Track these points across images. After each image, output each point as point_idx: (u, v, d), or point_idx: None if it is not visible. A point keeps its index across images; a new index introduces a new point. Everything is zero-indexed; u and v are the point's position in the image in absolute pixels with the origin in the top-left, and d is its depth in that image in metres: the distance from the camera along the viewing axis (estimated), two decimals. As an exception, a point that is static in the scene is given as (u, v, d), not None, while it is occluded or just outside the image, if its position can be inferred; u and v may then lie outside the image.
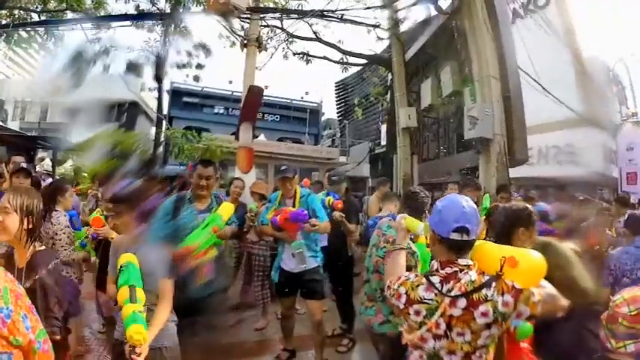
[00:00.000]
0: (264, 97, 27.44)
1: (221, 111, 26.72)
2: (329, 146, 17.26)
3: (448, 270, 1.53)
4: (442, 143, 8.05)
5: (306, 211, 3.48)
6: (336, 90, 19.51)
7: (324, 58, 10.72)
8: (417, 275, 1.64)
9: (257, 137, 19.73)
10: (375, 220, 3.48)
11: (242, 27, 10.04)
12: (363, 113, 14.38)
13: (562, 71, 14.21)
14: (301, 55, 10.97)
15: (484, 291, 1.44)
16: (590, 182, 14.55)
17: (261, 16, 9.33)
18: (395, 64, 8.51)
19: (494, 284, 1.45)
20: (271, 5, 11.09)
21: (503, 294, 1.43)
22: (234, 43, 11.41)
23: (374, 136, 14.44)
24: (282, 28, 10.55)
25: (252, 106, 7.50)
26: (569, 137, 15.17)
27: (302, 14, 8.94)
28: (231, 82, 20.33)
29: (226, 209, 3.23)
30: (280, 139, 24.18)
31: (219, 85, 25.13)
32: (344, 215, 4.56)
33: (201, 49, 14.70)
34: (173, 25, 13.68)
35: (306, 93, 41.98)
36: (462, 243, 1.53)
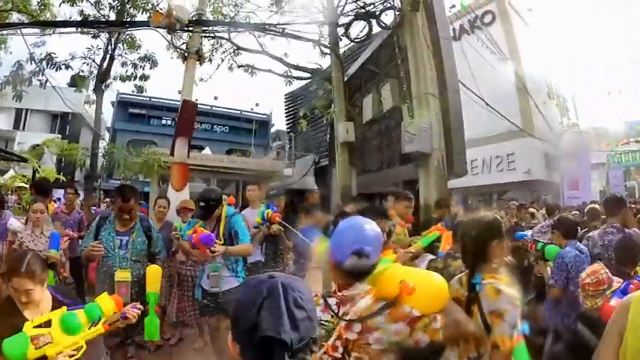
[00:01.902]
0: (214, 108, 27.21)
1: (169, 122, 25.90)
2: (274, 159, 17.10)
3: (345, 293, 1.49)
4: (384, 156, 8.08)
5: (214, 236, 3.38)
6: (285, 102, 19.53)
7: (269, 71, 10.65)
8: (315, 295, 1.52)
9: (203, 149, 19.34)
10: None
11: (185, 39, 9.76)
12: (310, 125, 14.41)
13: (504, 86, 14.97)
14: (246, 68, 10.79)
15: (378, 318, 1.39)
16: (532, 188, 15.34)
17: (203, 28, 9.09)
18: (334, 80, 8.53)
19: (387, 311, 1.39)
20: (220, 17, 10.91)
21: (396, 321, 1.38)
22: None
23: (321, 148, 14.45)
24: (228, 40, 10.33)
25: (187, 120, 7.23)
26: (511, 148, 15.96)
27: (243, 27, 8.78)
28: (180, 92, 19.63)
29: (154, 279, 3.07)
30: (229, 151, 23.82)
31: (169, 96, 24.33)
32: (281, 228, 4.51)
33: (147, 60, 14.22)
34: (117, 34, 13.19)
35: (256, 104, 41.85)
36: (359, 267, 1.48)
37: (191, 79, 8.42)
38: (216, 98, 18.07)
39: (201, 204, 3.61)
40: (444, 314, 1.46)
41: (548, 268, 3.67)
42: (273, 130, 28.59)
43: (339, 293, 1.50)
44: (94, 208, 6.16)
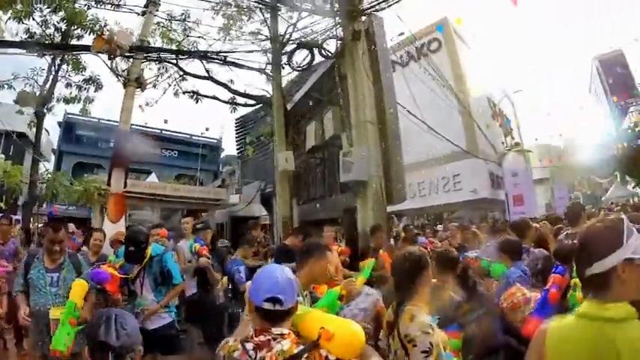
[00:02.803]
0: (164, 132, 26.31)
1: None
2: (219, 186, 16.83)
3: (262, 338, 1.49)
4: (326, 184, 8.11)
5: (106, 274, 3.41)
6: (235, 127, 19.39)
7: (214, 97, 10.52)
8: (235, 340, 1.58)
9: (149, 174, 18.73)
10: None
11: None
12: (257, 152, 14.32)
13: (449, 110, 15.65)
14: (191, 94, 10.64)
15: None
16: (479, 206, 15.96)
17: (145, 55, 8.94)
18: (274, 108, 8.58)
19: (305, 356, 1.43)
20: (167, 42, 10.74)
21: None
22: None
23: (267, 176, 14.46)
24: (175, 64, 10.16)
25: (124, 150, 7.01)
26: (456, 169, 16.61)
27: (185, 54, 8.70)
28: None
29: (77, 293, 3.09)
30: (178, 176, 23.18)
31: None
32: (209, 260, 4.61)
33: (91, 83, 13.71)
34: (62, 55, 12.70)
35: (207, 129, 41.69)
36: (275, 312, 1.51)
37: (129, 107, 8.24)
38: (166, 122, 17.81)
39: (131, 248, 3.58)
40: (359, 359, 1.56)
41: (494, 285, 3.77)
42: (223, 155, 28.30)
43: (255, 338, 1.49)
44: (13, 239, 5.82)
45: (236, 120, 20.35)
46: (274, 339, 1.48)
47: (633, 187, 19.43)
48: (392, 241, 6.13)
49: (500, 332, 3.15)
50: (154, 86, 11.20)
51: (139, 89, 8.85)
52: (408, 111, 10.60)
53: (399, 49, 18.91)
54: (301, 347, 1.47)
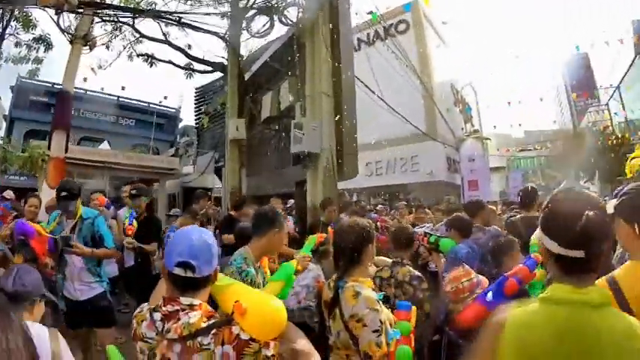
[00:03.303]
0: (120, 100, 24.95)
1: (74, 112, 23.55)
2: (172, 155, 16.30)
3: (169, 308, 1.31)
4: (279, 156, 7.90)
5: (31, 228, 3.23)
6: (195, 97, 18.62)
7: (169, 62, 10.01)
8: (147, 308, 1.41)
9: (101, 143, 17.88)
10: None
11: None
12: (216, 123, 13.84)
13: (412, 93, 15.78)
14: (145, 57, 10.06)
15: (200, 338, 1.24)
16: (435, 189, 16.33)
17: (94, 11, 8.32)
18: (229, 74, 8.27)
19: (214, 331, 1.24)
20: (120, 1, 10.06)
21: (223, 344, 1.23)
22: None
23: (219, 146, 14.15)
24: (131, 25, 9.53)
25: (65, 111, 6.56)
26: (415, 150, 16.89)
27: (138, 12, 8.16)
28: (85, 79, 17.96)
29: None
30: (134, 146, 22.24)
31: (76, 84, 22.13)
32: (133, 242, 4.40)
33: (41, 42, 12.71)
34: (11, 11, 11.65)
35: (165, 97, 39.81)
36: (186, 280, 1.32)
37: (74, 66, 7.72)
38: (123, 89, 16.73)
39: (63, 194, 3.34)
40: (280, 342, 1.35)
41: (443, 260, 3.74)
42: (181, 125, 27.32)
43: (164, 308, 1.32)
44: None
45: (196, 90, 19.59)
46: (183, 310, 1.31)
47: (584, 182, 20.44)
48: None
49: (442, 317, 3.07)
50: (107, 47, 10.57)
51: (86, 48, 8.29)
52: (370, 90, 10.56)
53: (367, 28, 18.75)
54: (213, 321, 1.29)
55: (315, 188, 5.89)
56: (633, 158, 6.17)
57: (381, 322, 1.81)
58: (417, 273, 2.98)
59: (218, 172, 12.88)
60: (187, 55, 9.87)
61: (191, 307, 1.32)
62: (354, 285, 1.93)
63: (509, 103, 25.69)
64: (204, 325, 1.27)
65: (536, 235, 2.85)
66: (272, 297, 1.53)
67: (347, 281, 1.96)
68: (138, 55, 10.46)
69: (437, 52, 19.51)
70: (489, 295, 2.24)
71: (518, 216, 4.10)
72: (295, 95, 6.84)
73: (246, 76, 9.62)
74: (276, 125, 8.17)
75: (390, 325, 1.92)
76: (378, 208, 9.35)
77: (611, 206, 1.54)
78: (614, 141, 17.24)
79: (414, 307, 2.07)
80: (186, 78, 10.90)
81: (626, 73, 22.42)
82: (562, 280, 1.11)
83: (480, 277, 2.63)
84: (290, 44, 7.82)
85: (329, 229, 4.48)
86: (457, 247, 3.58)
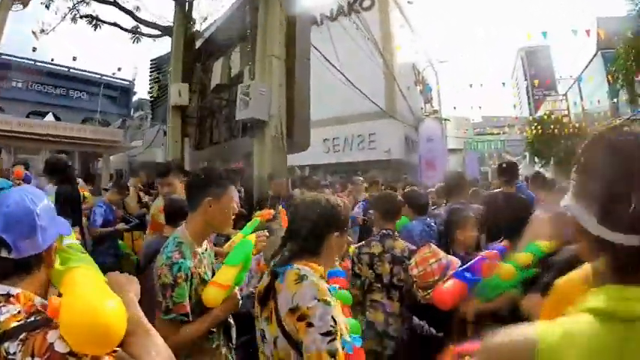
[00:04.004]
0: (71, 71, 23.23)
1: (21, 85, 21.61)
2: (119, 127, 15.35)
3: None
4: (229, 127, 7.41)
5: None
6: (150, 69, 17.49)
7: (114, 24, 9.25)
8: None
9: (44, 115, 16.42)
10: None
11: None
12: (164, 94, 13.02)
13: (372, 69, 15.56)
14: (89, 19, 9.23)
15: (7, 344, 0.83)
16: (393, 168, 16.38)
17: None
18: (174, 35, 7.70)
19: (23, 335, 0.83)
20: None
21: (33, 355, 0.82)
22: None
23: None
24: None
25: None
26: (372, 128, 16.81)
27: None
28: (35, 49, 16.62)
29: None
30: (85, 120, 20.89)
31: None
32: None
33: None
34: None
35: (119, 69, 37.68)
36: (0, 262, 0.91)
37: (2, 22, 6.87)
38: (74, 59, 15.34)
39: None
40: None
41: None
42: (136, 98, 25.89)
43: None
44: None
45: (151, 62, 18.39)
46: None
47: (540, 167, 21.20)
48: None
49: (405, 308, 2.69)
50: (47, 7, 9.66)
51: (18, 3, 7.48)
52: (330, 62, 10.24)
53: (331, 3, 18.32)
54: (27, 321, 0.89)
55: (262, 159, 5.50)
56: None
57: (335, 321, 1.21)
58: (413, 247, 2.62)
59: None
60: (135, 18, 9.16)
61: (7, 297, 0.91)
62: (300, 269, 1.34)
63: (470, 85, 25.94)
64: (14, 324, 0.86)
65: (536, 233, 2.46)
66: (110, 295, 0.99)
67: (293, 264, 1.38)
68: (81, 17, 9.63)
69: (400, 32, 19.29)
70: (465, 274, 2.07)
71: (496, 190, 3.87)
72: (245, 59, 6.39)
73: (198, 44, 9.03)
74: (226, 94, 7.66)
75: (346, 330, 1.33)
76: (332, 182, 9.02)
77: None
78: (572, 130, 17.98)
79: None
80: (133, 42, 10.17)
81: (587, 66, 23.39)
82: (624, 283, 0.67)
83: (450, 257, 2.34)
84: (243, 7, 7.33)
85: (280, 207, 4.10)
86: (410, 224, 3.35)
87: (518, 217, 3.28)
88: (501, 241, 2.42)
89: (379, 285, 2.61)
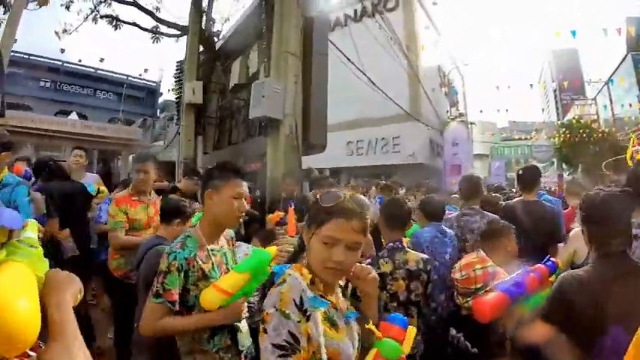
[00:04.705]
0: (98, 72, 23.80)
1: (49, 84, 22.25)
2: (139, 127, 15.36)
3: None
4: (246, 127, 7.19)
5: None
6: (176, 69, 17.66)
7: (134, 24, 9.30)
8: None
9: (69, 114, 16.68)
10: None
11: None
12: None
13: (397, 71, 15.16)
14: (110, 19, 9.30)
15: None
16: (417, 172, 15.85)
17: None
18: (189, 33, 7.60)
19: None
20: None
21: None
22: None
23: None
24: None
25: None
26: (397, 131, 16.32)
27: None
28: (63, 50, 17.13)
29: None
30: (111, 120, 21.29)
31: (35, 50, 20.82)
32: None
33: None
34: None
35: (145, 70, 38.59)
36: None
37: (14, 23, 6.92)
38: (102, 60, 15.79)
39: None
40: None
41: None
42: (162, 100, 26.30)
43: None
44: None
45: (177, 63, 18.63)
46: None
47: (567, 174, 20.32)
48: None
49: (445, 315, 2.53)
50: (67, 8, 9.85)
51: (35, 2, 7.56)
52: (353, 63, 9.98)
53: (355, 3, 18.06)
54: None
55: (275, 160, 5.26)
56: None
57: (292, 336, 1.07)
58: (427, 256, 2.43)
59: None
60: (155, 18, 9.19)
61: None
62: (290, 273, 1.24)
63: (497, 87, 25.17)
64: None
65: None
66: (27, 294, 0.81)
67: (287, 267, 1.29)
68: (101, 17, 9.75)
69: (425, 33, 18.81)
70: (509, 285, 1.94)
71: (515, 199, 3.64)
72: (262, 58, 6.17)
73: (219, 45, 8.96)
74: (244, 94, 7.49)
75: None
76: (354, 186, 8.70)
77: None
78: (600, 135, 17.09)
79: (411, 327, 1.28)
80: (153, 42, 10.25)
81: (617, 68, 22.40)
82: None
83: (497, 268, 2.16)
84: (260, 5, 7.14)
85: (290, 208, 3.86)
86: (420, 231, 3.16)
87: (537, 228, 3.03)
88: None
89: (395, 304, 2.33)
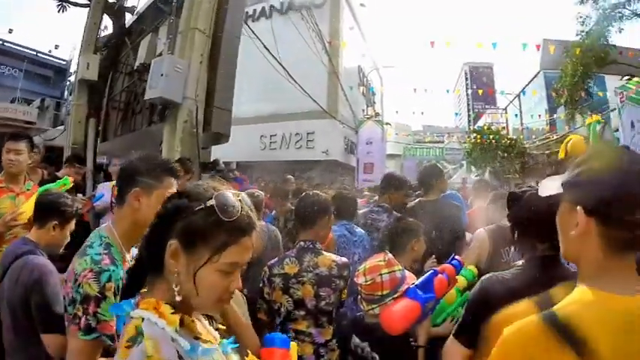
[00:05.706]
0: (6, 44, 20.83)
1: None
2: (38, 107, 13.42)
3: None
4: (150, 111, 6.57)
5: None
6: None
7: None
8: None
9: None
10: None
11: None
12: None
13: (317, 67, 15.21)
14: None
15: None
16: (331, 169, 16.08)
17: None
18: (92, 4, 6.85)
19: None
20: None
21: None
22: None
23: None
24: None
25: None
26: (312, 127, 16.44)
27: None
28: None
29: None
30: (13, 100, 18.74)
31: None
32: None
33: None
34: None
35: (56, 47, 34.23)
36: None
37: None
38: (11, 31, 13.43)
39: None
40: None
41: None
42: (73, 80, 23.68)
43: None
44: None
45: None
46: None
47: (475, 176, 22.02)
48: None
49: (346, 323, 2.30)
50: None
51: None
52: (271, 54, 9.77)
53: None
54: None
55: (172, 148, 4.84)
56: (569, 140, 6.30)
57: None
58: (344, 260, 2.29)
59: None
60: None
61: None
62: (141, 317, 0.84)
63: (414, 89, 26.56)
64: None
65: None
66: None
67: (136, 305, 0.89)
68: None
69: (349, 33, 19.08)
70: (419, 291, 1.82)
71: (415, 200, 3.61)
72: (169, 34, 5.67)
73: (131, 21, 8.20)
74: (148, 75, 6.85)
75: None
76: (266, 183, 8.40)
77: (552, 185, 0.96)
78: (508, 142, 18.92)
79: (294, 344, 1.21)
80: (59, 11, 9.04)
81: (530, 82, 25.16)
82: None
83: (406, 271, 1.97)
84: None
85: None
86: None
87: (438, 227, 3.02)
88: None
89: (302, 312, 2.14)
